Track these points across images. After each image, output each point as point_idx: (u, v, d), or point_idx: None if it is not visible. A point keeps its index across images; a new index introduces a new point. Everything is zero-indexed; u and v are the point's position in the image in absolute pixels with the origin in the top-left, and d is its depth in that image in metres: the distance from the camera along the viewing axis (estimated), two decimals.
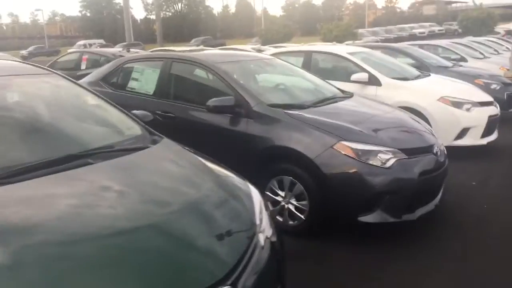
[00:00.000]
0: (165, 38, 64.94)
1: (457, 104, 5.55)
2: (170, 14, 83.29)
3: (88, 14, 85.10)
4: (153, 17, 72.34)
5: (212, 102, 3.64)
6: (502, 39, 18.52)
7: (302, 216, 3.40)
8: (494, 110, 5.85)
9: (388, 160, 3.26)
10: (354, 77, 6.01)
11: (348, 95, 4.44)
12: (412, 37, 38.15)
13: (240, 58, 4.65)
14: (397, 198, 3.26)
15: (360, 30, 39.24)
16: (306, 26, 72.77)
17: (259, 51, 10.96)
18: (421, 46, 11.66)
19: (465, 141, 5.55)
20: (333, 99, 4.17)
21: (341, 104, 4.08)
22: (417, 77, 6.35)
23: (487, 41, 15.92)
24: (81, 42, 50.36)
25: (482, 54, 12.33)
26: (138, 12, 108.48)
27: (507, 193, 4.47)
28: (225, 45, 37.88)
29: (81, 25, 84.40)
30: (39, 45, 54.39)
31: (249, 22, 68.58)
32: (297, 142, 3.38)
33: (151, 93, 4.32)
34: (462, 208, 4.10)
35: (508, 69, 9.71)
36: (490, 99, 5.98)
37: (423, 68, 7.94)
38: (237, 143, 3.68)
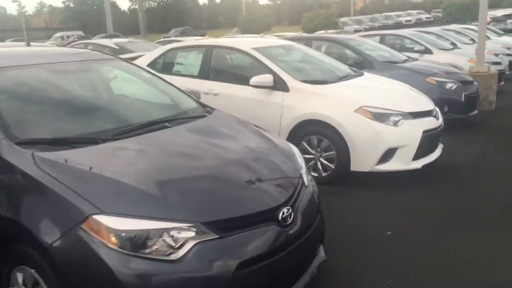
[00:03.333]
0: (149, 29, 63.28)
1: (380, 117, 4.16)
2: (155, 4, 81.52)
3: (72, 5, 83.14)
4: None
5: None
6: (487, 27, 17.10)
7: None
8: (433, 122, 4.47)
9: (180, 246, 1.88)
10: (254, 80, 4.60)
11: (200, 115, 3.05)
12: (398, 26, 36.62)
13: (55, 60, 3.18)
14: None
15: (343, 19, 37.69)
16: (295, 16, 70.74)
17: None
18: (383, 37, 10.33)
19: (391, 166, 4.17)
20: (163, 123, 2.75)
21: (166, 133, 2.64)
22: (342, 79, 4.95)
23: (464, 29, 14.53)
24: (58, 34, 48.86)
25: (453, 44, 10.95)
26: (124, 3, 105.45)
27: (431, 252, 3.11)
28: (206, 36, 36.34)
29: (65, 17, 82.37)
30: (18, 38, 52.35)
31: (235, 12, 66.78)
32: (35, 215, 1.98)
33: None
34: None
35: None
36: (428, 107, 4.59)
37: (367, 64, 6.59)
38: None
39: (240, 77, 4.99)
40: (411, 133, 4.20)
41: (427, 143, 4.30)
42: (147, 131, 2.60)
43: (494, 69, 8.43)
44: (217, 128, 2.87)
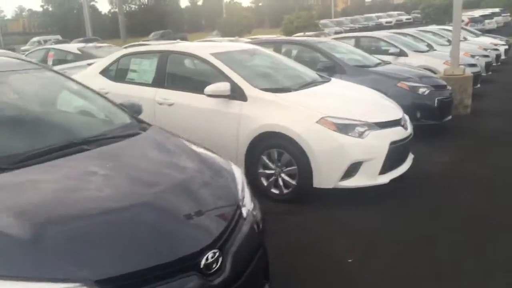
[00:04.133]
0: (130, 32, 62.40)
1: (345, 128, 3.82)
2: (136, 7, 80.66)
3: (50, 9, 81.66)
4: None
5: None
6: (464, 28, 17.05)
7: None
8: (401, 132, 4.15)
9: None
10: (209, 89, 4.22)
11: (132, 132, 2.65)
12: (379, 27, 36.72)
13: None
14: None
15: (323, 21, 37.61)
16: (276, 18, 70.58)
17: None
18: (358, 39, 10.06)
19: (356, 181, 3.83)
20: (81, 145, 2.34)
21: (78, 159, 2.20)
22: (306, 86, 4.60)
23: (442, 30, 14.42)
24: (35, 38, 47.85)
25: (429, 46, 10.75)
26: (105, 6, 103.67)
27: (394, 283, 2.78)
28: (187, 39, 35.86)
29: (44, 21, 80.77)
30: None
31: (217, 15, 66.41)
32: None
33: None
34: None
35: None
36: (397, 116, 4.27)
37: (337, 69, 6.27)
38: None
39: (197, 85, 4.59)
40: (377, 145, 3.86)
41: (395, 155, 3.98)
42: (58, 155, 2.20)
43: (469, 71, 8.22)
44: (147, 150, 2.49)
